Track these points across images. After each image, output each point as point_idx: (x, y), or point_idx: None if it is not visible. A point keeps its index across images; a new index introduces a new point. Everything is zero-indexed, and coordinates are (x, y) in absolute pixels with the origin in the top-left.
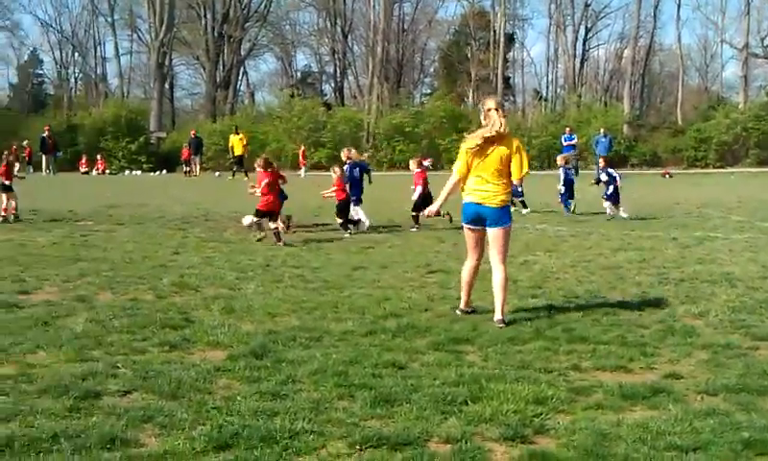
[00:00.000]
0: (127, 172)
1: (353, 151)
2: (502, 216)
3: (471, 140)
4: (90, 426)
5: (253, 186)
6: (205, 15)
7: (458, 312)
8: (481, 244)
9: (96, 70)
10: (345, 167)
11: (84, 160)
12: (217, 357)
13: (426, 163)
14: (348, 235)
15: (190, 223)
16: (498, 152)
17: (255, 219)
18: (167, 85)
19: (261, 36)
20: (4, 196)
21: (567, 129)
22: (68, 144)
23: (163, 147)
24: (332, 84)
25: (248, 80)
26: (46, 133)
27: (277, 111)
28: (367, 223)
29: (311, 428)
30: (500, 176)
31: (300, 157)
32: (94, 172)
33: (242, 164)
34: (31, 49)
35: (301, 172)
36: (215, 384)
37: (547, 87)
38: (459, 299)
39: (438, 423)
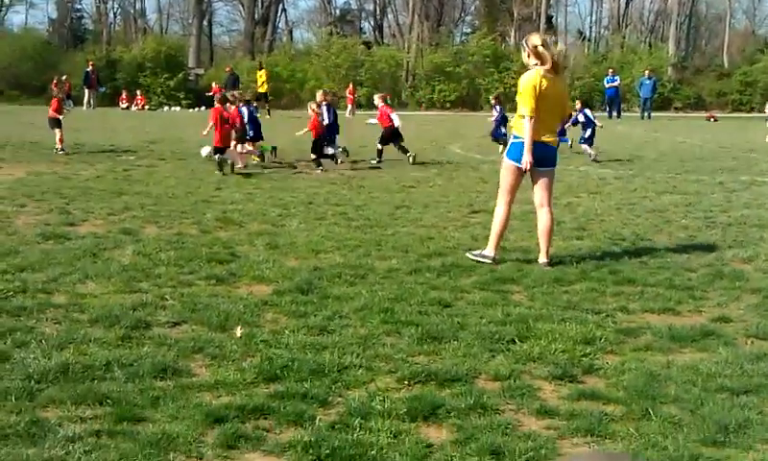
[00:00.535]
0: (166, 108)
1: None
2: (556, 156)
3: (536, 77)
4: (142, 356)
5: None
6: None
7: (488, 261)
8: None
9: (135, 5)
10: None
11: (123, 96)
12: (263, 292)
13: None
14: (319, 171)
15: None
16: (556, 88)
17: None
18: (205, 22)
19: None
20: (57, 130)
21: (610, 70)
22: (108, 79)
23: (201, 83)
24: (371, 23)
25: (286, 17)
26: (90, 67)
27: (316, 50)
28: (339, 150)
29: (359, 363)
30: (560, 114)
31: (349, 96)
32: (134, 107)
33: (266, 100)
34: None
35: (347, 111)
36: (262, 318)
37: (591, 28)
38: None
39: (485, 360)
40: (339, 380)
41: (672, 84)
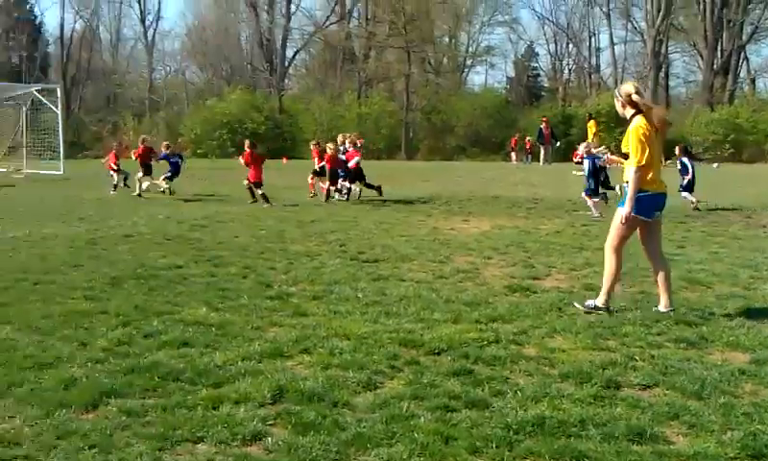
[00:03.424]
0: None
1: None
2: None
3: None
4: (616, 417)
5: None
6: (703, 0)
7: None
8: None
9: (589, 60)
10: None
11: (576, 151)
12: (738, 359)
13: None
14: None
15: (692, 217)
16: (658, 138)
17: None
18: (662, 73)
19: (764, 19)
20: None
21: None
22: (562, 135)
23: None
24: None
25: (748, 66)
26: (543, 124)
27: None
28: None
29: None
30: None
31: None
32: None
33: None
34: (528, 43)
35: None
36: (741, 388)
37: None
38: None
39: None
40: None
41: None
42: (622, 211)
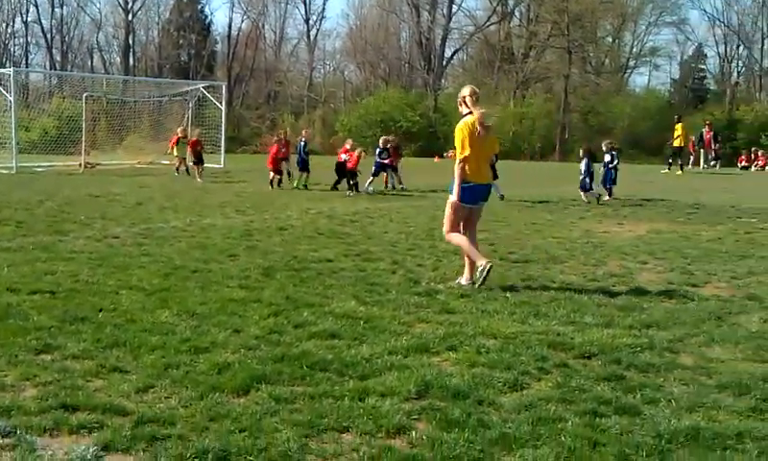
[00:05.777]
0: None
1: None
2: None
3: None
4: None
5: None
6: None
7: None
8: None
9: (761, 63)
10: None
11: (742, 156)
12: None
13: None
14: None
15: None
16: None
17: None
18: None
19: None
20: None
21: None
22: (727, 139)
23: None
24: None
25: None
26: (706, 128)
27: None
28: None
29: None
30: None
31: None
32: (753, 168)
33: (678, 156)
34: (696, 44)
35: None
36: None
37: None
38: None
39: None
40: None
41: None
42: (450, 200)
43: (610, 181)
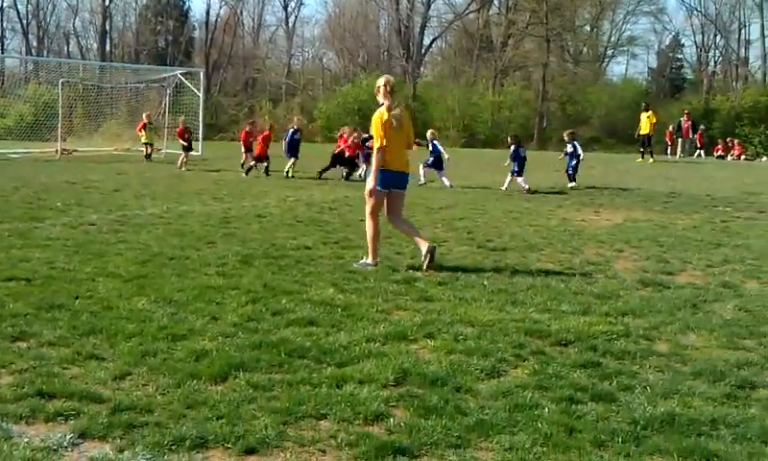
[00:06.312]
0: (764, 158)
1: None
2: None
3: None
4: (749, 418)
5: None
6: None
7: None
8: None
9: (737, 53)
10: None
11: (719, 145)
12: None
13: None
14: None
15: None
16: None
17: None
18: None
19: None
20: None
21: None
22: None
23: None
24: None
25: None
26: (684, 116)
27: None
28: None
29: None
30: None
31: None
32: (729, 157)
33: (649, 144)
34: (673, 33)
35: None
36: None
37: None
38: None
39: None
40: None
41: None
42: (367, 186)
43: (571, 167)
